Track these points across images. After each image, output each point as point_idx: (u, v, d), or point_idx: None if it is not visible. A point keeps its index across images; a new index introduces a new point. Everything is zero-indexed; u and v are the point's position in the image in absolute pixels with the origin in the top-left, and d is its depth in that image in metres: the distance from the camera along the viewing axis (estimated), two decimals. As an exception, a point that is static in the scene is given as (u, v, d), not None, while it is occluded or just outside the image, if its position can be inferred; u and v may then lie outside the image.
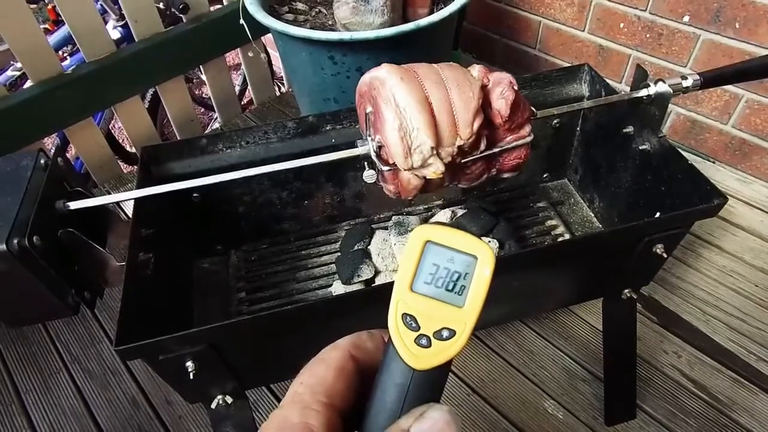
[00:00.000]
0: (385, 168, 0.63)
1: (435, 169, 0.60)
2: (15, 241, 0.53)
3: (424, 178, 0.62)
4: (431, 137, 0.58)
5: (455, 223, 0.28)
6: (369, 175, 0.65)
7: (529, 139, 0.66)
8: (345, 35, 1.05)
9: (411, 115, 0.58)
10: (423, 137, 0.58)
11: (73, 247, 0.61)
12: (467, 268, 0.26)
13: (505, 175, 0.70)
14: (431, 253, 0.27)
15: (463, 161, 0.64)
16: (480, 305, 0.26)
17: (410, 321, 0.26)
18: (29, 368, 1.05)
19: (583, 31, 1.48)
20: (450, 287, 0.26)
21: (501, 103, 0.62)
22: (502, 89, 0.62)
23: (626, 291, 0.81)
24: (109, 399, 1.00)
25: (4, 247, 0.52)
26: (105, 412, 0.99)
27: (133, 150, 1.94)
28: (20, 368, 1.06)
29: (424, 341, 0.26)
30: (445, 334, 0.26)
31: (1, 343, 1.10)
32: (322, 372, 0.27)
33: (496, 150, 0.65)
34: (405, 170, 0.61)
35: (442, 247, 0.27)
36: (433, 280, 0.27)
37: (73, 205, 0.61)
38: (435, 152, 0.59)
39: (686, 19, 1.27)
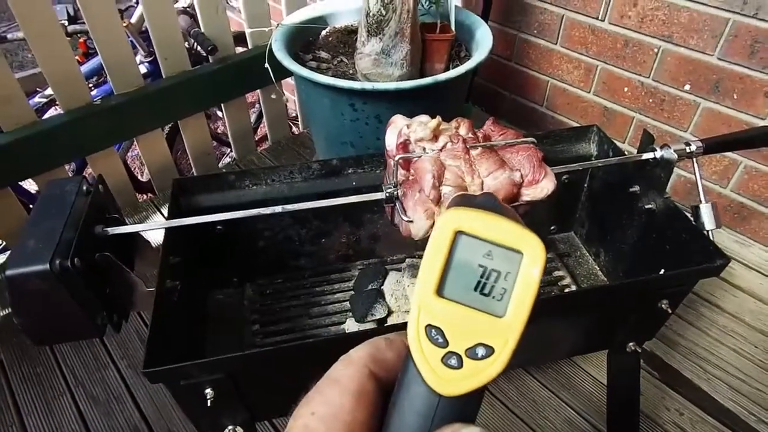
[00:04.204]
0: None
1: (435, 121, 0.69)
2: (57, 262, 0.56)
3: (442, 164, 0.68)
4: (427, 121, 0.70)
5: (492, 203, 0.23)
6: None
7: (530, 139, 0.73)
8: (367, 85, 1.11)
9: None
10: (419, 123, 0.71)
11: (108, 270, 0.64)
12: (510, 266, 0.21)
13: (534, 191, 0.72)
14: (463, 246, 0.21)
15: (470, 147, 0.69)
16: (526, 314, 0.21)
17: (436, 335, 0.21)
18: (33, 390, 1.05)
19: (589, 92, 1.56)
20: (487, 291, 0.21)
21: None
22: None
23: (630, 344, 0.83)
24: (111, 426, 1.00)
25: (47, 266, 0.55)
26: (105, 439, 0.98)
27: (145, 179, 1.99)
28: (24, 389, 1.05)
29: (453, 361, 0.21)
30: (481, 352, 0.21)
31: (6, 363, 1.10)
32: (337, 398, 0.22)
33: (500, 141, 0.72)
34: (407, 130, 0.69)
35: (478, 240, 0.21)
36: (466, 281, 0.21)
37: (112, 230, 0.64)
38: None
39: (687, 87, 1.34)
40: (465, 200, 0.23)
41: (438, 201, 0.67)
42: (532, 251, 0.21)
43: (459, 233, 0.21)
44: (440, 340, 0.21)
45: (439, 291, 0.21)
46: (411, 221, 0.67)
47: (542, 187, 0.70)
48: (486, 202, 0.23)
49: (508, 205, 0.69)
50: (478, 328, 0.21)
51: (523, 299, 0.21)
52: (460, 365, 0.21)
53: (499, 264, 0.21)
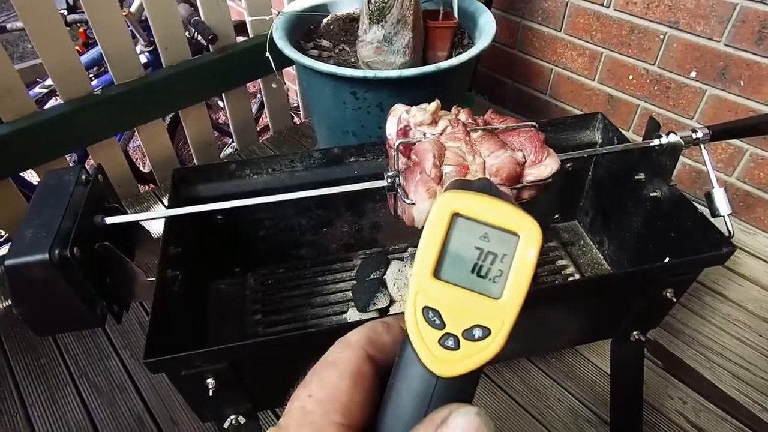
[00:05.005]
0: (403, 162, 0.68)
1: (434, 104, 0.69)
2: (56, 252, 0.56)
3: (443, 145, 0.66)
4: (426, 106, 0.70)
5: (488, 186, 0.23)
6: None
7: (531, 123, 0.72)
8: (369, 73, 1.10)
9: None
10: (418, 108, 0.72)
11: (107, 260, 0.63)
12: (506, 248, 0.21)
13: (538, 170, 0.69)
14: (460, 228, 0.21)
15: (471, 130, 0.68)
16: (522, 296, 0.21)
17: (433, 317, 0.21)
18: (37, 380, 1.06)
19: (594, 80, 1.54)
20: (484, 273, 0.21)
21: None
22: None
23: (635, 333, 0.83)
24: (114, 415, 1.00)
25: (46, 256, 0.55)
26: (109, 428, 0.98)
27: (146, 170, 1.98)
28: (28, 380, 1.06)
29: (450, 342, 0.21)
30: (478, 333, 0.21)
31: (10, 354, 1.10)
32: (334, 381, 0.22)
33: (500, 126, 0.71)
34: (407, 115, 0.69)
35: (475, 222, 0.21)
36: (463, 263, 0.21)
37: (110, 220, 0.64)
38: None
39: (693, 74, 1.33)
40: (462, 184, 0.23)
41: (439, 180, 0.65)
42: (529, 233, 0.21)
43: (456, 215, 0.21)
44: (437, 321, 0.21)
45: (436, 273, 0.22)
46: (413, 203, 0.66)
47: (547, 164, 0.68)
48: (483, 186, 0.23)
49: (512, 186, 0.69)
50: (474, 309, 0.21)
51: (520, 281, 0.21)
52: (457, 346, 0.21)
53: (496, 246, 0.21)
